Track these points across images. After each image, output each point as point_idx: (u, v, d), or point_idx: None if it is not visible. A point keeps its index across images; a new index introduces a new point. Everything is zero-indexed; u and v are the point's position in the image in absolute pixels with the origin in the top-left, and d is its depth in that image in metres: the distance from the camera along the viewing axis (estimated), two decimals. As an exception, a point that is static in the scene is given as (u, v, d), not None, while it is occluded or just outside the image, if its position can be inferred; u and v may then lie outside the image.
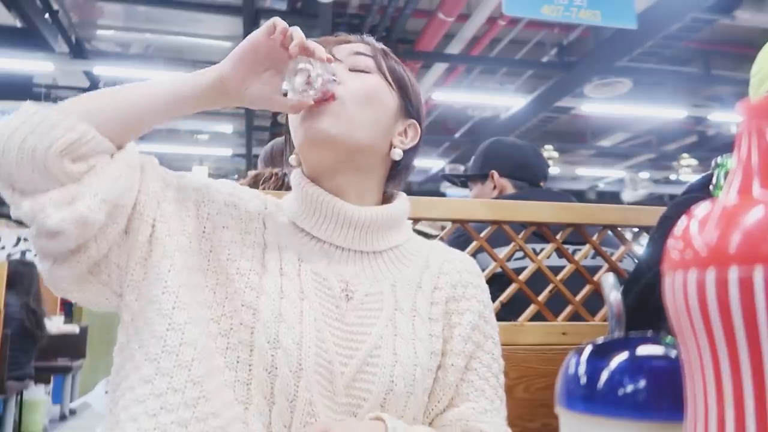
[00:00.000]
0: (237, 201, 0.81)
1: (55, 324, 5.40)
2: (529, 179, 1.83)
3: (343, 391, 0.73)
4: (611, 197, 12.58)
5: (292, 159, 0.87)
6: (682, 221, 0.35)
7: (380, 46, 0.87)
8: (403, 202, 0.87)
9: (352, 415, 0.74)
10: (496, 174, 1.83)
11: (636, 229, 1.40)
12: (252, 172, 1.56)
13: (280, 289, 0.75)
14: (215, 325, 0.73)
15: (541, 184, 1.85)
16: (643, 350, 0.43)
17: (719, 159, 1.13)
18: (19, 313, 4.24)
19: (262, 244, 0.79)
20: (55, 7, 5.83)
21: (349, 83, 0.79)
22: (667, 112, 8.12)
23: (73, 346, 5.50)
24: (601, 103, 7.36)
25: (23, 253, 6.15)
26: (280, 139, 1.61)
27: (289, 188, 0.88)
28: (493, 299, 1.25)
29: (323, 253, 0.80)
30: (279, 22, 0.73)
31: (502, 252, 1.29)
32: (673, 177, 11.29)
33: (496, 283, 1.33)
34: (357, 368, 0.74)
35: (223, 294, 0.74)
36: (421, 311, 0.81)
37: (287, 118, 0.87)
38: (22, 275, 4.39)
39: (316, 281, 0.78)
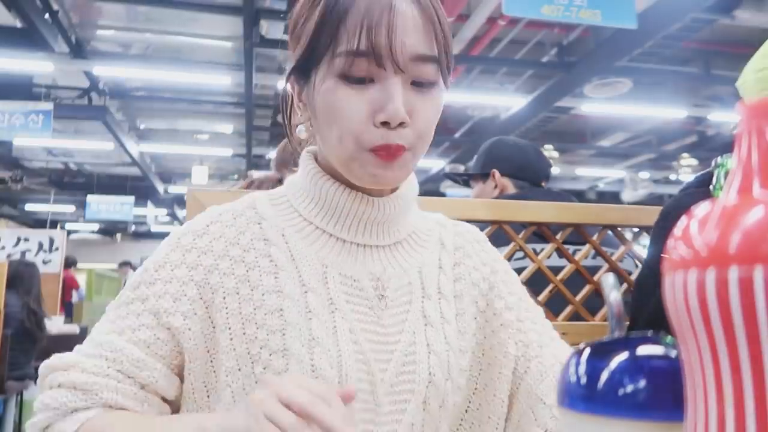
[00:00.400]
0: (231, 239, 0.72)
1: (56, 324, 5.41)
2: (531, 179, 1.84)
3: (385, 399, 0.69)
4: (611, 197, 12.59)
5: (302, 131, 0.77)
6: (682, 221, 0.35)
7: (429, 2, 0.67)
8: (413, 179, 0.80)
9: (395, 422, 0.70)
10: (497, 173, 1.84)
11: (636, 229, 1.41)
12: (260, 176, 1.55)
13: (307, 309, 0.69)
14: (243, 390, 0.68)
15: (543, 184, 1.86)
16: (643, 350, 0.43)
17: (719, 159, 1.13)
18: (20, 314, 4.24)
19: (272, 268, 0.71)
20: (55, 7, 5.84)
21: (417, 118, 0.67)
22: (667, 112, 8.13)
23: (74, 347, 5.49)
24: (601, 103, 7.36)
25: (23, 253, 6.15)
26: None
27: None
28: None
29: (348, 252, 0.74)
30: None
31: (503, 252, 1.29)
32: (673, 177, 11.30)
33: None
34: (396, 371, 0.71)
35: (247, 361, 0.67)
36: (446, 292, 0.78)
37: (282, 104, 0.78)
38: (22, 275, 4.39)
39: (346, 285, 0.72)
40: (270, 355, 0.66)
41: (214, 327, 0.69)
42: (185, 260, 0.71)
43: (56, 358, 0.69)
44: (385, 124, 0.65)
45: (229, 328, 0.68)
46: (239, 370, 0.67)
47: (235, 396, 0.67)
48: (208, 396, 0.70)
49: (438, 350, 0.73)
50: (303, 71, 0.70)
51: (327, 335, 0.68)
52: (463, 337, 0.77)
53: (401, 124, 0.65)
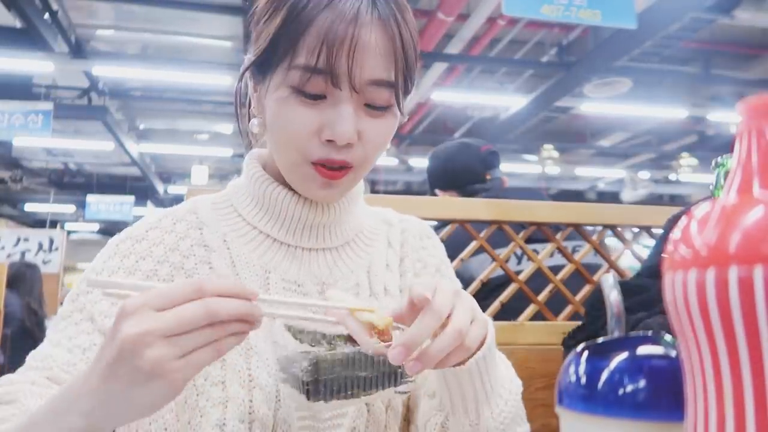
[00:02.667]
0: (171, 244, 0.71)
1: (55, 324, 5.40)
2: (472, 179, 1.78)
3: (324, 406, 0.69)
4: (611, 197, 12.58)
5: (255, 125, 0.73)
6: (682, 221, 0.35)
7: (394, 24, 0.64)
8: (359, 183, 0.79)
9: (336, 427, 0.69)
10: (438, 191, 1.83)
11: (636, 229, 1.40)
12: None
13: None
14: (181, 405, 0.65)
15: (488, 176, 1.79)
16: (643, 350, 0.43)
17: (719, 159, 1.13)
18: (20, 314, 4.25)
19: (211, 276, 0.70)
20: (55, 7, 5.84)
21: (366, 140, 0.66)
22: (667, 111, 8.12)
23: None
24: (601, 103, 7.36)
25: (23, 253, 6.14)
26: None
27: None
28: (489, 305, 1.25)
29: (292, 257, 0.73)
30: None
31: (502, 252, 1.29)
32: (673, 177, 11.30)
33: (492, 285, 1.33)
34: None
35: None
36: (392, 288, 0.78)
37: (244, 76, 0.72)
38: (24, 276, 4.41)
39: (288, 290, 0.71)
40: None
41: None
42: (123, 265, 0.69)
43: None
44: (330, 142, 0.64)
45: None
46: None
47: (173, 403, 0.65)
48: None
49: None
50: (259, 71, 0.69)
51: (265, 342, 0.67)
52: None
53: (347, 145, 0.65)
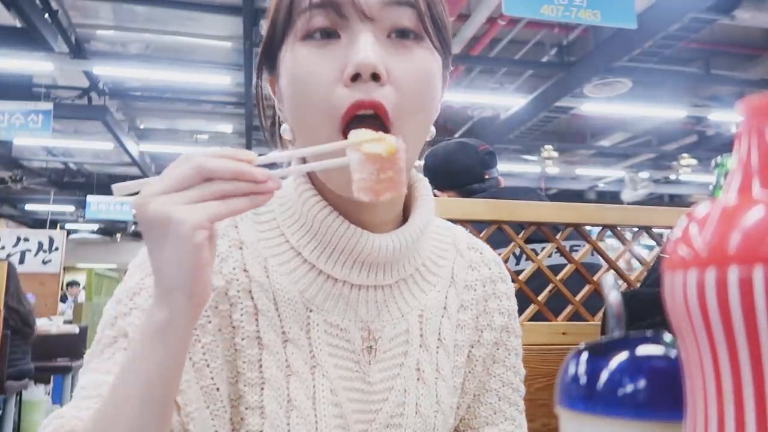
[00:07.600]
0: (213, 266, 0.58)
1: (55, 324, 5.41)
2: (470, 180, 1.78)
3: None
4: (611, 197, 12.59)
5: (286, 130, 0.64)
6: (682, 221, 0.35)
7: None
8: (429, 206, 0.68)
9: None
10: (437, 192, 1.82)
11: (636, 229, 1.41)
12: None
13: (286, 364, 0.60)
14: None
15: (486, 176, 1.79)
16: (643, 350, 0.43)
17: (719, 159, 1.13)
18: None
19: (252, 309, 0.60)
20: (55, 7, 5.84)
21: (397, 75, 0.56)
22: (666, 111, 8.13)
23: (73, 347, 5.50)
24: (601, 103, 7.37)
25: (23, 253, 6.14)
26: None
27: None
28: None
29: (338, 295, 0.63)
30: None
31: (502, 253, 1.29)
32: (672, 177, 11.30)
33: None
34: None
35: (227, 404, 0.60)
36: (446, 340, 0.69)
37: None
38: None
39: (331, 336, 0.62)
40: (246, 409, 0.59)
41: (193, 363, 0.58)
42: None
43: (48, 418, 0.57)
44: (355, 79, 0.55)
45: (208, 366, 0.58)
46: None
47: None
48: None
49: (426, 413, 0.66)
50: (270, 56, 0.62)
51: (306, 397, 0.60)
52: (456, 392, 0.70)
53: (376, 79, 0.55)
